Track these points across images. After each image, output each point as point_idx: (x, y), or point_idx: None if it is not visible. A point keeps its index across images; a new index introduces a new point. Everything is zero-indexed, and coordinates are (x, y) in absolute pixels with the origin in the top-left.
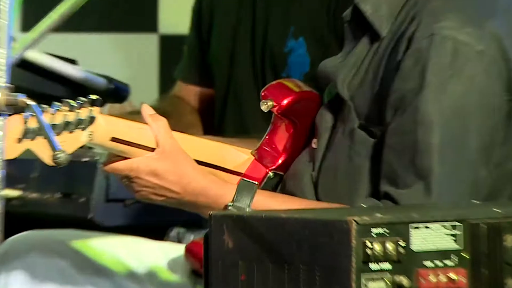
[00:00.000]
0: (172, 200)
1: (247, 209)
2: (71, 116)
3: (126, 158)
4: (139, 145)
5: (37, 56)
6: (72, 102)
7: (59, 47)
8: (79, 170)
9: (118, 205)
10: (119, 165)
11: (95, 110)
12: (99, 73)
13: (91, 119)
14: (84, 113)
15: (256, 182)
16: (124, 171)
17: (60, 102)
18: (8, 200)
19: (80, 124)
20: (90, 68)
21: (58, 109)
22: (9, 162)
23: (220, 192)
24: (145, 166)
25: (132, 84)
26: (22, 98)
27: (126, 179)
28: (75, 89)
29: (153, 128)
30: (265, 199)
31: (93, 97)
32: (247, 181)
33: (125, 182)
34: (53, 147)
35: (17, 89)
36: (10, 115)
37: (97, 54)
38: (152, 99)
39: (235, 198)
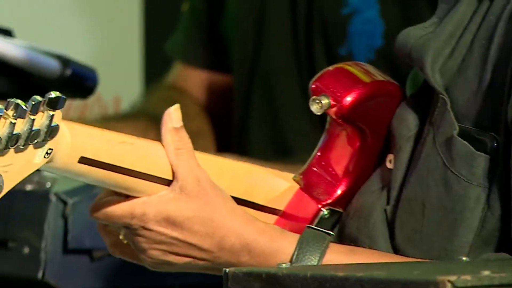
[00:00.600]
0: (200, 262)
1: None
2: (20, 125)
3: (130, 197)
4: (123, 168)
5: None
6: (21, 103)
7: None
8: (20, 205)
9: (82, 258)
10: (115, 209)
11: (57, 115)
12: (48, 50)
13: (52, 130)
14: (40, 120)
15: (331, 232)
16: (123, 219)
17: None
18: None
19: (34, 137)
20: (35, 43)
21: (0, 115)
22: None
23: (272, 247)
24: (155, 210)
25: (102, 67)
26: None
27: (126, 231)
28: (7, 77)
29: (170, 151)
30: (341, 259)
31: (54, 94)
32: (315, 229)
33: (126, 236)
34: None
35: None
36: None
37: (46, 21)
38: (133, 92)
39: (295, 256)
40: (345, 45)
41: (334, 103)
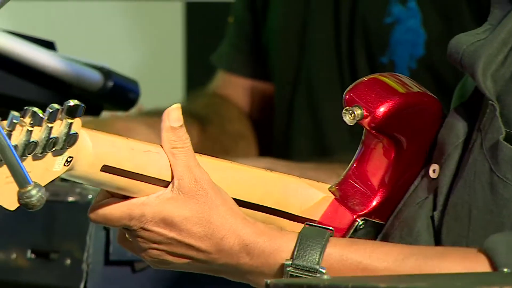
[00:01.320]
0: (199, 264)
1: (318, 268)
2: (38, 133)
3: (127, 198)
4: (148, 177)
5: None
6: (38, 111)
7: (28, 20)
8: (61, 216)
9: (124, 269)
10: (113, 211)
11: (76, 124)
12: (90, 62)
13: (71, 138)
14: (58, 128)
15: (331, 228)
16: (122, 220)
17: (19, 111)
18: None
19: (52, 145)
20: (77, 55)
21: (16, 122)
22: None
23: (272, 246)
24: (153, 212)
25: (144, 79)
26: None
27: (127, 232)
28: (50, 89)
29: (166, 149)
30: (342, 251)
31: (72, 102)
32: (314, 226)
33: (124, 238)
34: (20, 180)
35: None
36: None
37: (89, 34)
38: (176, 102)
39: (295, 252)
40: (387, 54)
41: (367, 113)
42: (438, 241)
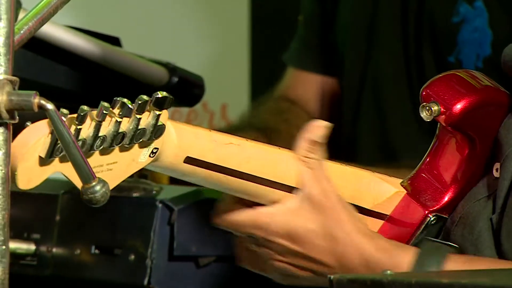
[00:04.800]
0: (320, 277)
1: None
2: (126, 124)
3: (254, 207)
4: (228, 169)
5: (55, 32)
6: (127, 102)
7: (93, 16)
8: (126, 212)
9: (188, 265)
10: (238, 216)
11: (164, 115)
12: (155, 58)
13: (158, 129)
14: (146, 119)
15: (452, 244)
16: (246, 227)
17: (109, 102)
18: (17, 257)
19: (139, 136)
20: (143, 51)
21: (106, 113)
22: (18, 198)
23: (391, 263)
24: (278, 222)
25: (209, 75)
26: (33, 98)
27: (252, 241)
28: (116, 85)
29: (299, 156)
30: (459, 268)
31: (160, 94)
32: (434, 241)
33: (248, 246)
34: (84, 175)
35: (24, 83)
36: (18, 124)
37: (155, 30)
38: (240, 100)
39: (413, 269)
40: (454, 53)
41: (444, 110)
42: (497, 242)
